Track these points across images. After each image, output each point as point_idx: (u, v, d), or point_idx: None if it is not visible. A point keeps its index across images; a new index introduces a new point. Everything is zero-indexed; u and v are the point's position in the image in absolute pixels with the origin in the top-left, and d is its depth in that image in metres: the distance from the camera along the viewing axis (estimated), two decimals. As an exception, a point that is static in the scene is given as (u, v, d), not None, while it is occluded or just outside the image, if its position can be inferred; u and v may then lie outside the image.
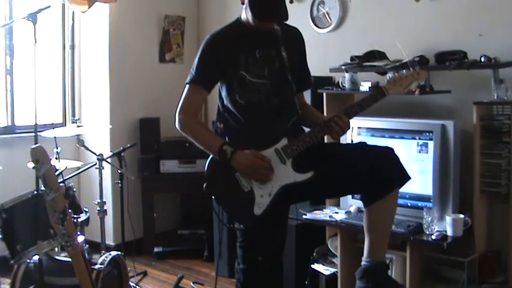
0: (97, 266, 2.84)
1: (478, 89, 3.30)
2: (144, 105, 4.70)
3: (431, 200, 3.14)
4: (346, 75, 3.55)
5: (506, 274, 3.08)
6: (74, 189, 3.40)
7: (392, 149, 2.39)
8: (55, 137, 3.15)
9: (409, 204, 3.22)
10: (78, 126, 3.59)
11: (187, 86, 2.40)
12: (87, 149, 3.60)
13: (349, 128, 2.39)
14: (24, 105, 4.28)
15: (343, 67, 3.57)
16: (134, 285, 3.65)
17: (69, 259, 2.22)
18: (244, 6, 2.34)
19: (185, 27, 4.94)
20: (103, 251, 3.36)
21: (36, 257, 2.83)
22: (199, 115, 2.60)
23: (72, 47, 4.63)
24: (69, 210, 2.14)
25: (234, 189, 2.34)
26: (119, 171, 3.69)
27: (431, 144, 3.15)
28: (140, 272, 4.05)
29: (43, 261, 2.77)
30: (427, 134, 3.16)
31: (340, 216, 3.37)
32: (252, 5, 2.28)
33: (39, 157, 2.11)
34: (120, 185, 3.71)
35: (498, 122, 3.06)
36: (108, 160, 3.65)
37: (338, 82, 3.67)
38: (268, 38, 2.41)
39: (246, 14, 2.36)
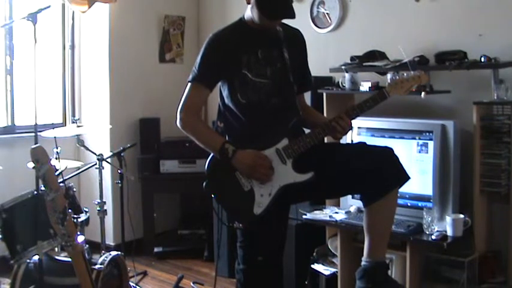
0: (97, 266, 2.84)
1: (478, 89, 3.30)
2: (144, 105, 4.70)
3: (431, 200, 3.14)
4: (346, 75, 3.55)
5: (506, 274, 3.08)
6: (74, 189, 3.40)
7: (391, 149, 2.39)
8: (55, 137, 3.14)
9: (409, 204, 3.21)
10: (78, 126, 3.59)
11: (189, 84, 2.41)
12: (87, 149, 3.60)
13: (351, 129, 2.39)
14: (24, 105, 4.28)
15: (343, 67, 3.57)
16: (134, 285, 3.65)
17: (69, 259, 2.22)
18: (250, 6, 2.34)
19: (185, 27, 4.94)
20: (103, 251, 3.36)
21: (36, 257, 2.83)
22: (200, 114, 2.60)
23: (72, 47, 4.63)
24: (69, 210, 2.14)
25: (234, 188, 2.34)
26: (119, 171, 3.68)
27: (431, 144, 3.15)
28: (140, 272, 4.05)
29: (43, 261, 2.77)
30: (427, 134, 3.16)
31: (340, 216, 3.37)
32: (261, 5, 2.28)
33: (39, 157, 2.11)
34: (120, 185, 3.71)
35: (498, 122, 3.06)
36: (108, 160, 3.65)
37: (338, 82, 3.67)
38: (271, 38, 2.42)
39: (251, 14, 2.36)
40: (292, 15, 2.29)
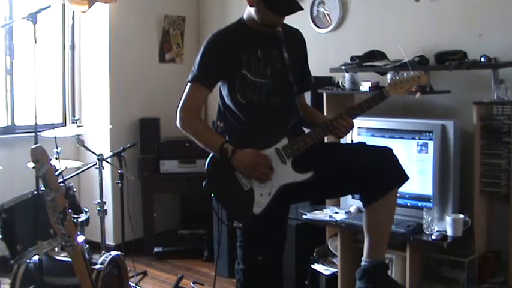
0: (97, 266, 2.84)
1: (478, 89, 3.30)
2: (144, 105, 4.70)
3: (431, 200, 3.14)
4: (346, 75, 3.55)
5: (506, 274, 3.08)
6: (74, 189, 3.40)
7: (391, 149, 2.39)
8: (55, 137, 3.15)
9: (409, 204, 3.21)
10: (78, 126, 3.59)
11: (188, 84, 2.41)
12: (87, 149, 3.60)
13: (352, 128, 2.40)
14: (24, 105, 4.28)
15: (343, 67, 3.57)
16: (134, 285, 3.65)
17: (69, 259, 2.22)
18: (253, 8, 2.34)
19: (185, 27, 4.94)
20: (103, 251, 3.36)
21: (36, 257, 2.83)
22: (200, 114, 2.61)
23: (72, 47, 4.63)
24: (69, 210, 2.14)
25: (233, 187, 2.34)
26: (119, 171, 3.68)
27: (431, 144, 3.15)
28: (140, 272, 4.05)
29: (43, 261, 2.77)
30: (427, 134, 3.16)
31: (340, 216, 3.37)
32: (271, 3, 2.29)
33: (39, 157, 2.11)
34: (120, 185, 3.71)
35: (498, 122, 3.06)
36: (108, 160, 3.65)
37: (338, 82, 3.67)
38: (271, 38, 2.42)
39: (254, 14, 2.35)
40: (300, 8, 2.31)
